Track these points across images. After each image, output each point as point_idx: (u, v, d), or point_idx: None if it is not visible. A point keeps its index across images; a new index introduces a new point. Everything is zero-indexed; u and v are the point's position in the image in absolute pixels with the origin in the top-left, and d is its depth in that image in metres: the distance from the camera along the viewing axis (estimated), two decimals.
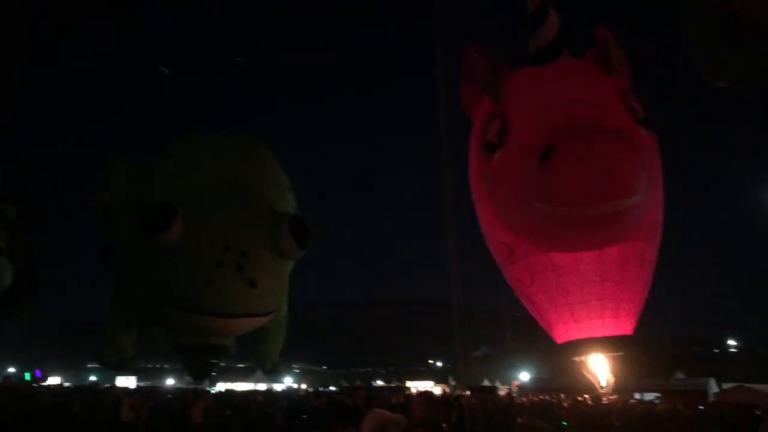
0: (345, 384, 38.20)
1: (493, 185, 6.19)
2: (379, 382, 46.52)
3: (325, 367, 66.29)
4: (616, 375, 6.60)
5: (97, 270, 7.06)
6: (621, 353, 6.37)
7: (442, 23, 4.99)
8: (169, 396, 14.81)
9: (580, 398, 15.33)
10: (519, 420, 5.90)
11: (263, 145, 6.81)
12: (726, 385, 21.25)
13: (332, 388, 34.60)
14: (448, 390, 32.69)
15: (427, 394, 11.75)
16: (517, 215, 5.96)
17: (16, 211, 6.18)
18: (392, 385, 39.03)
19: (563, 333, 6.53)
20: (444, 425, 3.61)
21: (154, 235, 5.30)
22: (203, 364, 6.68)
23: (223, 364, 7.03)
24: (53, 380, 31.47)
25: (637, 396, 21.05)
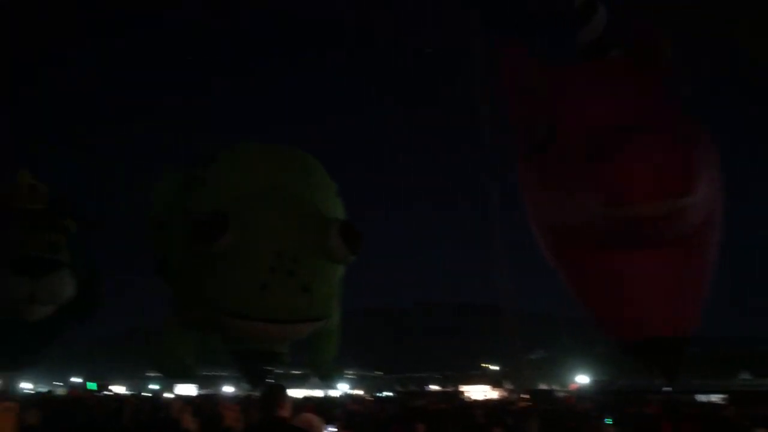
0: (400, 389, 38.27)
1: (542, 185, 6.11)
2: (434, 387, 46.43)
3: (380, 373, 66.45)
4: (678, 375, 6.41)
5: (155, 280, 7.23)
6: (682, 353, 6.18)
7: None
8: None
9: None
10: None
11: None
12: None
13: (387, 393, 34.66)
14: (506, 394, 32.39)
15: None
16: (569, 215, 5.85)
17: (76, 224, 6.39)
18: (448, 389, 38.86)
19: (621, 333, 6.38)
20: None
21: (206, 244, 5.39)
22: (259, 371, 6.76)
23: (278, 371, 7.11)
24: (116, 389, 32.49)
25: (702, 398, 20.48)
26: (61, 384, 43.14)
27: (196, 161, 6.77)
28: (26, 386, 35.26)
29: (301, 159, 6.79)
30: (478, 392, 36.09)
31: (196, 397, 24.66)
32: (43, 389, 29.97)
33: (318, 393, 31.34)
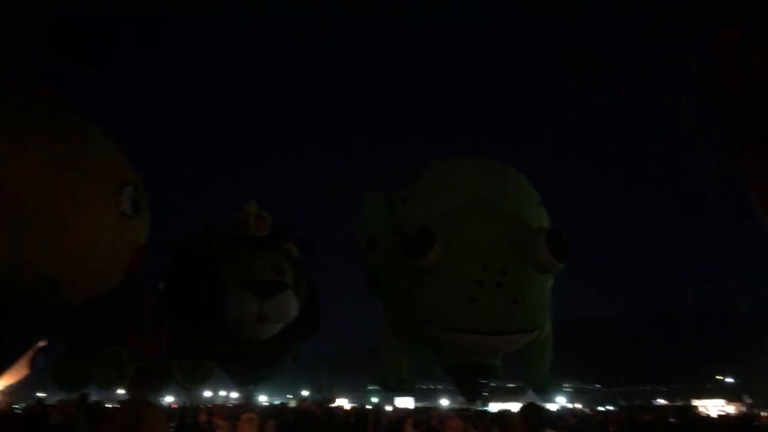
0: (623, 403, 36.20)
1: None
2: (661, 401, 43.34)
3: (598, 386, 63.32)
4: None
5: (369, 296, 7.56)
6: None
7: None
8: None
9: None
10: None
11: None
12: None
13: (610, 407, 32.95)
14: (744, 409, 29.36)
15: None
16: None
17: (297, 249, 6.86)
18: (677, 404, 35.98)
19: None
20: None
21: (414, 260, 5.52)
22: (474, 385, 6.76)
23: (493, 384, 7.08)
24: (341, 402, 34.35)
25: None
26: (291, 396, 46.66)
27: (400, 181, 7.03)
28: (263, 399, 38.65)
29: (501, 170, 6.77)
30: (712, 407, 33.18)
31: (414, 409, 25.28)
32: (277, 401, 32.50)
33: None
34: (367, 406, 23.76)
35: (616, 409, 31.05)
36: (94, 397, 11.05)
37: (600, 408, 32.60)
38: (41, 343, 9.09)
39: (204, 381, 9.49)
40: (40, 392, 18.63)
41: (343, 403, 34.20)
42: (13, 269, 5.45)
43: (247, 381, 7.94)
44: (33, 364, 9.97)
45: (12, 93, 6.13)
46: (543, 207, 6.63)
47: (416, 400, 36.83)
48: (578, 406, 36.94)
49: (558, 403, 35.79)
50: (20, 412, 12.13)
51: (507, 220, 5.90)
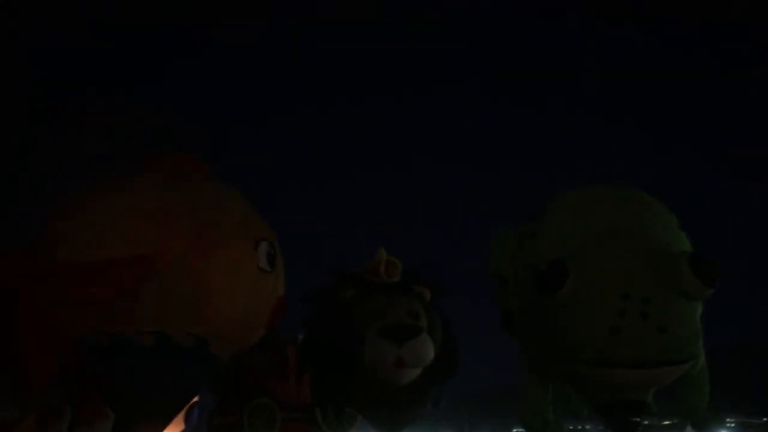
0: None
1: None
2: None
3: (766, 419, 57.94)
4: None
5: (504, 335, 7.41)
6: None
7: None
8: None
9: None
10: None
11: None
12: None
13: None
14: None
15: None
16: None
17: (430, 292, 6.86)
18: None
19: None
20: None
21: (549, 295, 5.35)
22: (626, 424, 6.39)
23: (646, 422, 6.65)
24: None
25: None
26: None
27: (527, 216, 6.90)
28: None
29: (634, 196, 6.48)
30: None
31: None
32: None
33: None
34: None
35: None
36: None
37: None
38: (194, 399, 9.61)
39: (348, 429, 9.59)
40: None
41: None
42: (167, 329, 5.81)
43: (389, 427, 7.94)
44: (188, 420, 10.54)
45: (158, 163, 6.62)
46: (683, 231, 6.30)
47: None
48: None
49: None
50: None
51: (645, 246, 5.63)
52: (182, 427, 11.24)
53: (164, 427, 7.76)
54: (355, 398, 7.35)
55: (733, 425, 46.54)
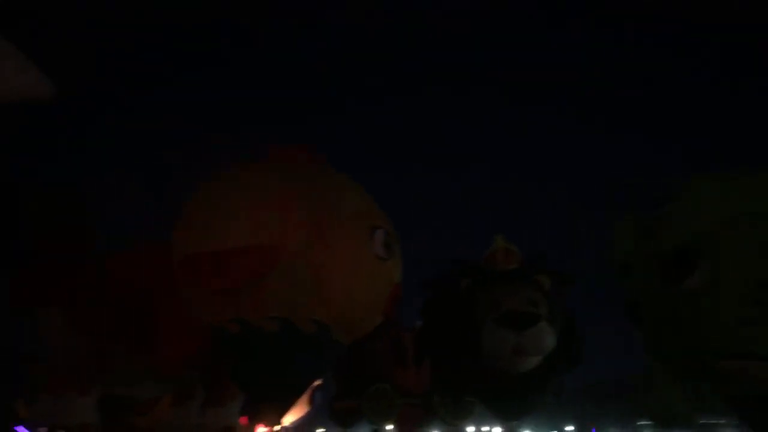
0: None
1: None
2: None
3: None
4: None
5: (627, 326, 7.12)
6: None
7: None
8: None
9: None
10: None
11: None
12: None
13: None
14: None
15: None
16: None
17: (550, 280, 6.71)
18: None
19: None
20: None
21: (678, 284, 5.10)
22: (765, 419, 5.99)
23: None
24: None
25: None
26: (556, 431, 45.10)
27: (651, 202, 6.57)
28: None
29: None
30: None
31: None
32: None
33: None
34: None
35: None
36: None
37: None
38: (317, 383, 9.91)
39: (467, 416, 9.59)
40: (319, 428, 20.15)
41: None
42: (292, 316, 6.00)
43: (508, 416, 7.87)
44: (312, 402, 10.89)
45: (275, 156, 6.83)
46: None
47: None
48: None
49: None
50: None
51: None
52: (307, 408, 11.68)
53: (289, 409, 8.08)
54: (473, 386, 7.34)
55: None
